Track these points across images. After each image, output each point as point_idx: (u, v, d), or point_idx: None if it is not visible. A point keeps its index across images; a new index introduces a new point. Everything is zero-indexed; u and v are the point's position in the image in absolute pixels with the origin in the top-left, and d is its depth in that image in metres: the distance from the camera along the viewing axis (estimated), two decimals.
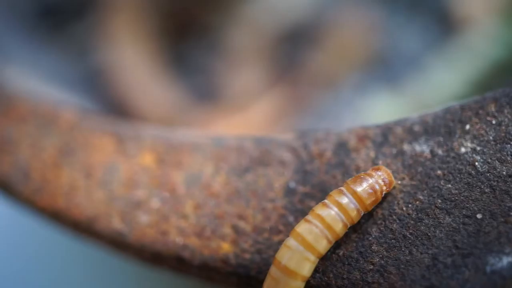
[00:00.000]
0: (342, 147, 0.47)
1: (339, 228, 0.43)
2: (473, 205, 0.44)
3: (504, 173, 0.44)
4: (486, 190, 0.44)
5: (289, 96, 0.94)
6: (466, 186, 0.44)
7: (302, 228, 0.43)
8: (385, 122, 0.48)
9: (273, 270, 0.43)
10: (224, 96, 0.94)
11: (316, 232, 0.42)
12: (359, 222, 0.44)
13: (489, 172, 0.44)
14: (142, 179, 0.49)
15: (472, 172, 0.44)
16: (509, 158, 0.44)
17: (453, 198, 0.44)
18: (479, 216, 0.43)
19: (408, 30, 0.98)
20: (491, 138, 0.45)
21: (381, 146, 0.47)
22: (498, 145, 0.45)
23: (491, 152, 0.44)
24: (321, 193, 0.46)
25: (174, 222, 0.48)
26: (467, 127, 0.45)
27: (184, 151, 0.50)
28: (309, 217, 0.43)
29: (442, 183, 0.45)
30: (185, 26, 1.00)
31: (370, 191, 0.43)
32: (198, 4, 1.00)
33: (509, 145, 0.44)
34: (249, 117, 0.92)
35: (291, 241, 0.43)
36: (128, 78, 0.92)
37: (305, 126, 0.90)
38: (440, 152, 0.45)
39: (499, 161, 0.44)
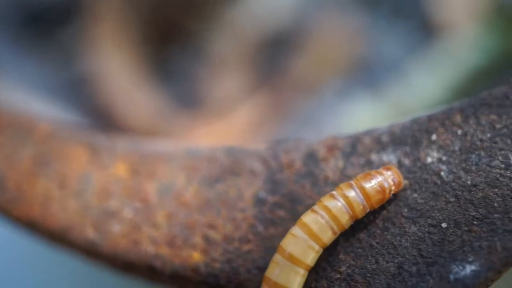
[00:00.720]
0: (311, 157, 0.48)
1: (345, 220, 0.44)
2: (438, 214, 0.44)
3: (469, 182, 0.44)
4: (451, 200, 0.44)
5: (272, 102, 0.95)
6: (431, 196, 0.45)
7: (308, 218, 0.43)
8: (354, 132, 0.49)
9: (277, 257, 0.43)
10: (207, 103, 0.95)
11: (322, 222, 0.43)
12: None
13: (454, 182, 0.45)
14: (116, 189, 0.50)
15: (438, 181, 0.45)
16: (473, 168, 0.45)
17: (419, 208, 0.45)
18: (444, 225, 0.44)
19: (390, 36, 0.99)
20: (456, 148, 0.46)
21: (350, 156, 0.47)
22: (463, 155, 0.45)
23: (456, 162, 0.45)
24: (290, 202, 0.47)
25: (146, 231, 0.48)
26: (434, 137, 0.46)
27: (157, 161, 0.50)
28: (315, 207, 0.44)
29: (408, 192, 0.45)
30: (168, 33, 1.00)
31: (379, 189, 0.44)
32: (181, 11, 1.00)
33: (474, 155, 0.45)
34: (232, 123, 0.93)
35: (296, 230, 0.43)
36: (111, 85, 0.93)
37: (287, 132, 0.91)
38: (406, 162, 0.46)
39: (464, 171, 0.45)
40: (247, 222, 0.47)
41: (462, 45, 0.93)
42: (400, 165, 0.46)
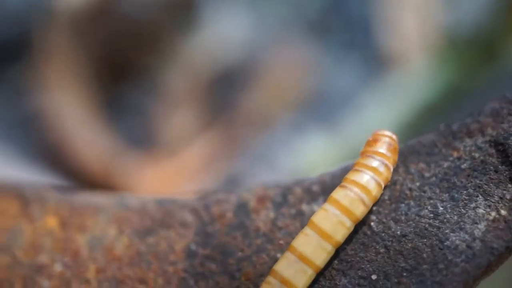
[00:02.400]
0: (242, 208, 0.47)
1: (376, 190, 0.44)
2: (368, 265, 0.44)
3: (398, 233, 0.44)
4: (381, 251, 0.44)
5: (224, 138, 0.94)
6: (361, 247, 0.44)
7: (338, 194, 0.43)
8: (284, 181, 0.48)
9: (307, 230, 0.43)
10: (159, 140, 0.94)
11: (352, 196, 0.43)
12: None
13: (384, 232, 0.44)
14: (46, 243, 0.49)
15: (368, 232, 0.45)
16: (403, 218, 0.44)
17: (349, 259, 0.44)
18: (373, 277, 0.44)
19: (344, 69, 0.99)
20: (386, 197, 0.45)
21: (281, 207, 0.47)
22: (393, 204, 0.45)
23: (386, 211, 0.45)
24: (221, 255, 0.46)
25: (76, 287, 0.47)
26: None
27: (88, 214, 0.49)
28: (344, 183, 0.44)
29: None
30: (121, 68, 1.00)
31: (391, 147, 0.45)
32: (133, 46, 1.00)
33: (403, 205, 0.45)
34: (183, 162, 0.92)
35: (328, 206, 0.43)
36: (61, 124, 0.92)
37: (239, 169, 0.90)
38: None
39: (393, 221, 0.45)
40: (178, 276, 0.46)
41: (414, 79, 0.94)
42: None
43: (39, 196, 0.51)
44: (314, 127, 0.94)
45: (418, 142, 0.46)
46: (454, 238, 0.43)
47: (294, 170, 0.87)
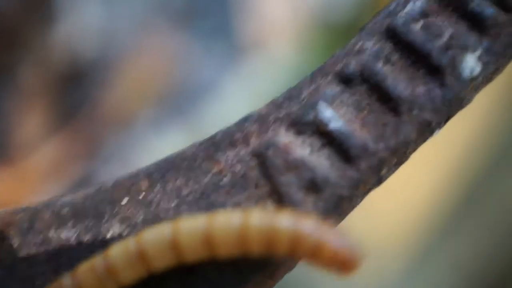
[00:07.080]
0: None
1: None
2: None
3: None
4: None
5: (78, 138, 0.89)
6: None
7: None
8: (35, 205, 0.43)
9: None
10: (11, 142, 0.88)
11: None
12: None
13: None
14: None
15: None
16: None
17: None
18: None
19: (207, 58, 0.94)
20: (139, 220, 0.40)
21: (27, 234, 0.42)
22: (146, 227, 0.40)
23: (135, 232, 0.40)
24: None
25: None
26: (116, 208, 0.41)
27: None
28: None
29: None
30: None
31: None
32: None
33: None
34: (32, 166, 0.86)
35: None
36: None
37: (93, 170, 0.85)
38: (87, 238, 0.41)
39: None
40: None
41: (276, 66, 0.89)
42: (79, 241, 0.41)
43: None
44: (173, 121, 0.89)
45: (179, 155, 0.42)
46: None
47: None
